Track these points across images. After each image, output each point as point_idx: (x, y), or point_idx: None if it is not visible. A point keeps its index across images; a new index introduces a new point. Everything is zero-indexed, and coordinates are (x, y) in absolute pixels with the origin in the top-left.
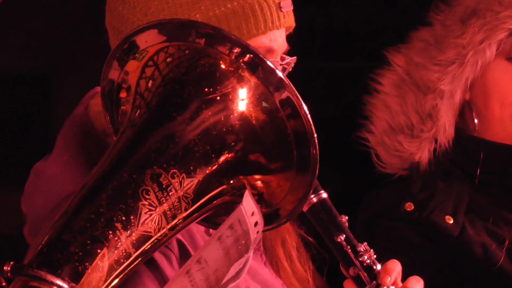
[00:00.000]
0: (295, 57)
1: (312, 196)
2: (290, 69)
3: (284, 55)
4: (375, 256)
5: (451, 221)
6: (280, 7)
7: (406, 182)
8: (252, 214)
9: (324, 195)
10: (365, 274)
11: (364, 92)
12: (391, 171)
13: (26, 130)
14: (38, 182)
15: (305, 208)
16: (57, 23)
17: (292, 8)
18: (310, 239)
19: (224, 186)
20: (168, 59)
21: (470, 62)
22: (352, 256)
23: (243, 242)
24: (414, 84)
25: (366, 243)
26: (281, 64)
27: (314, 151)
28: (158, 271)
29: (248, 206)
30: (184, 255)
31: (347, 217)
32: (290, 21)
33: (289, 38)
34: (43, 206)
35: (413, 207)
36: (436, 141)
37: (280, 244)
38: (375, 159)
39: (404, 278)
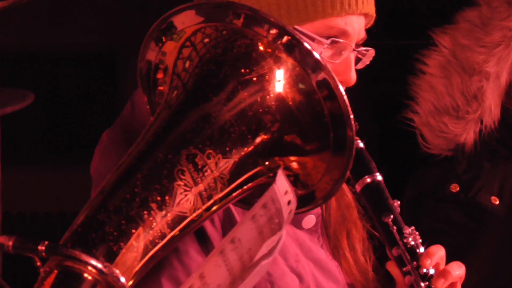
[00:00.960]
0: (373, 49)
1: (367, 177)
2: (367, 62)
3: (360, 44)
4: (420, 240)
5: (497, 202)
6: None
7: (451, 162)
8: (285, 193)
9: (379, 177)
10: (407, 255)
11: (409, 72)
12: (436, 152)
13: (95, 104)
14: (99, 147)
15: (358, 188)
16: (124, 4)
17: None
18: (375, 233)
19: (259, 168)
20: (205, 40)
21: None
22: (396, 236)
23: (276, 220)
24: (460, 66)
25: (413, 228)
26: (355, 50)
27: (351, 133)
28: (204, 241)
29: (281, 185)
30: (231, 225)
31: (399, 202)
32: (369, 8)
33: None
34: (102, 169)
35: (458, 188)
36: (481, 122)
37: (345, 236)
38: (420, 139)
39: (449, 259)
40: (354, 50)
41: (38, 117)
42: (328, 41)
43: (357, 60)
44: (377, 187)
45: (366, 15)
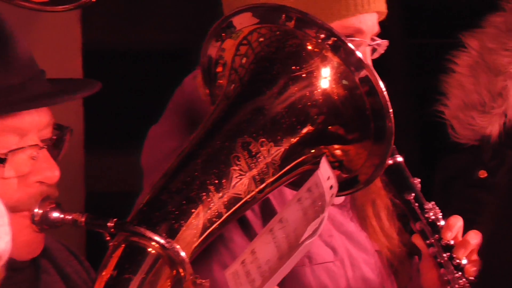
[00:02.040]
0: (386, 40)
1: (389, 159)
2: (382, 51)
3: (375, 37)
4: (440, 214)
5: None
6: None
7: (478, 151)
8: (328, 178)
9: (400, 159)
10: (429, 228)
11: (441, 71)
12: (464, 141)
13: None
14: (150, 139)
15: None
16: (196, 5)
17: None
18: (397, 201)
19: (306, 155)
20: (260, 39)
21: None
22: (418, 212)
23: (319, 203)
24: (487, 67)
25: (434, 202)
26: (370, 45)
27: (390, 124)
28: (247, 228)
29: (325, 171)
30: (270, 213)
31: (419, 180)
32: (380, 6)
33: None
34: (152, 160)
35: (486, 174)
36: (505, 116)
37: (370, 205)
38: (450, 130)
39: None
40: (369, 44)
41: (119, 107)
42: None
43: (373, 51)
44: (398, 167)
45: (378, 12)
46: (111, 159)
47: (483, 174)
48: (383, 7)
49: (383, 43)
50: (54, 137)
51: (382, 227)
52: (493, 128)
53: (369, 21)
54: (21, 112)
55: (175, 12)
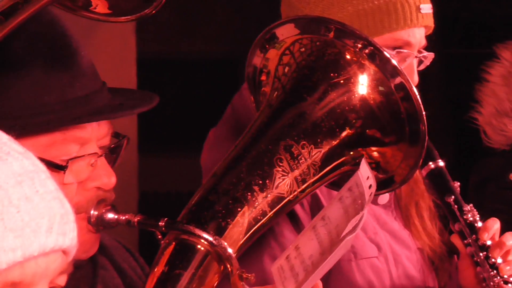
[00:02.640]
0: (432, 53)
1: (431, 163)
2: (428, 63)
3: (422, 50)
4: (478, 216)
5: None
6: (420, 9)
7: (510, 155)
8: (367, 178)
9: (441, 163)
10: (467, 230)
11: (476, 80)
12: (497, 146)
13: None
14: (209, 142)
15: (424, 173)
16: (244, 17)
17: (431, 11)
18: (439, 202)
19: (345, 157)
20: (302, 49)
21: None
22: (457, 214)
23: (359, 202)
24: None
25: (472, 205)
26: (417, 57)
27: (423, 127)
28: (296, 223)
29: (364, 171)
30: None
31: (459, 183)
32: (428, 21)
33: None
34: (210, 161)
35: None
36: None
37: (413, 206)
38: (483, 136)
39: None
40: (416, 56)
41: (170, 113)
42: (394, 52)
43: (420, 62)
44: (439, 172)
45: (426, 26)
46: (162, 161)
47: None
48: (431, 22)
49: (429, 56)
50: (112, 145)
51: (424, 226)
52: None
53: (417, 34)
54: (84, 124)
55: (224, 25)
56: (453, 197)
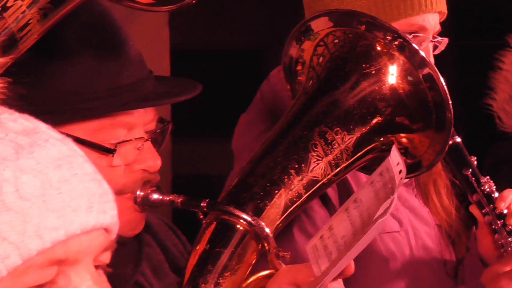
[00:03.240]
0: (446, 38)
1: (449, 139)
2: (443, 48)
3: (436, 36)
4: (494, 187)
5: None
6: None
7: None
8: (397, 164)
9: (458, 139)
10: (485, 200)
11: (490, 68)
12: (510, 131)
13: (244, 91)
14: (240, 126)
15: None
16: (270, 9)
17: None
18: (456, 181)
19: (376, 143)
20: (335, 41)
21: None
22: (475, 185)
23: (390, 186)
24: None
25: (488, 177)
26: (432, 41)
27: (449, 115)
28: (325, 200)
29: (394, 157)
30: (346, 188)
31: (475, 157)
32: (441, 7)
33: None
34: (241, 144)
35: None
36: None
37: (432, 184)
38: (498, 121)
39: None
40: (431, 41)
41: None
42: (410, 36)
43: (435, 48)
44: (457, 147)
45: (440, 12)
46: (193, 146)
47: None
48: (444, 8)
49: (444, 41)
50: (157, 130)
51: (442, 203)
52: None
53: (432, 20)
54: (131, 110)
55: (252, 17)
56: (470, 170)
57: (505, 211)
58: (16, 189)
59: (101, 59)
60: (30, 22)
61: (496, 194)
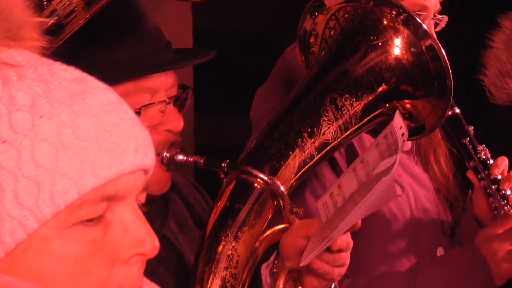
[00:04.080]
0: (446, 16)
1: (449, 111)
2: (443, 25)
3: (436, 14)
4: (490, 154)
5: None
6: None
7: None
8: (400, 127)
9: (457, 110)
10: (481, 166)
11: (481, 47)
12: (500, 103)
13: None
14: (257, 98)
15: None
16: None
17: None
18: (454, 150)
19: (382, 109)
20: (346, 15)
21: None
22: (472, 152)
23: (393, 147)
24: None
25: (484, 145)
26: (433, 19)
27: (450, 82)
28: (334, 165)
29: (398, 121)
30: (353, 153)
31: (472, 127)
32: None
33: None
34: (259, 114)
35: None
36: None
37: (432, 152)
38: (489, 94)
39: None
40: (432, 18)
41: (223, 77)
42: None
43: (436, 25)
44: (456, 117)
45: None
46: (215, 118)
47: None
48: None
49: (444, 18)
50: (179, 94)
51: (441, 170)
52: None
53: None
54: (153, 75)
55: (268, 3)
56: (468, 138)
57: (499, 177)
58: (73, 131)
59: (122, 33)
60: (75, 9)
61: (491, 161)
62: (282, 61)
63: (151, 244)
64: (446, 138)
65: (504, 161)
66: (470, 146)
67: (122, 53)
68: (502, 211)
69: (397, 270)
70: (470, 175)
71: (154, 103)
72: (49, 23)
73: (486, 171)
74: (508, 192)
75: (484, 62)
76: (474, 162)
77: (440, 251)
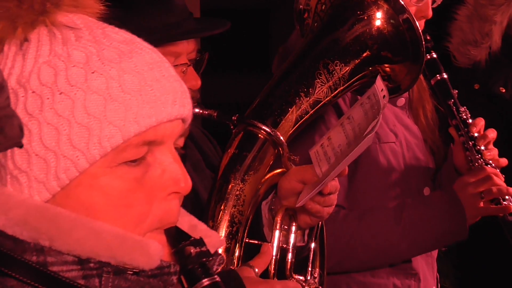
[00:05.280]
0: None
1: (438, 76)
2: (439, 2)
3: None
4: (469, 115)
5: (504, 90)
6: None
7: (472, 71)
8: (382, 90)
9: (445, 75)
10: (461, 124)
11: (448, 20)
12: (463, 66)
13: (248, 54)
14: (278, 55)
15: (432, 82)
16: None
17: None
18: (440, 108)
19: (365, 72)
20: None
21: None
22: (455, 113)
23: (376, 107)
24: (478, 16)
25: (466, 107)
26: None
27: (422, 49)
28: (339, 114)
29: (379, 84)
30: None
31: (457, 91)
32: None
33: None
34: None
35: (478, 86)
36: (490, 48)
37: (421, 108)
38: (453, 59)
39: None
40: None
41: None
42: None
43: (433, 1)
44: (444, 81)
45: None
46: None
47: (477, 86)
48: None
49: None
50: (197, 58)
51: (428, 123)
52: (482, 56)
53: None
54: (177, 42)
55: None
56: (452, 100)
57: (476, 135)
58: (120, 85)
59: (153, 5)
60: None
61: (470, 121)
62: (286, 44)
63: (185, 183)
64: (434, 97)
65: (481, 122)
66: (454, 107)
67: (152, 22)
68: (476, 164)
69: (387, 205)
70: (452, 131)
71: (177, 65)
72: None
73: (466, 129)
74: (482, 148)
75: (450, 32)
76: (456, 121)
77: (426, 191)
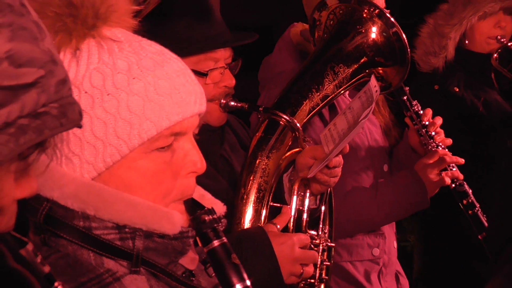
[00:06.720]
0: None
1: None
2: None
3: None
4: (420, 107)
5: (457, 90)
6: None
7: (432, 76)
8: (375, 86)
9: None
10: (414, 116)
11: (414, 36)
12: (425, 71)
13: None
14: (265, 66)
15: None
16: None
17: None
18: (393, 99)
19: (363, 73)
20: (341, 12)
21: (463, 24)
22: (409, 106)
23: (370, 100)
24: (437, 33)
25: (417, 101)
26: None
27: (408, 56)
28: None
29: (373, 82)
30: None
31: (408, 88)
32: None
33: None
34: (266, 77)
35: (438, 87)
36: (446, 57)
37: (379, 101)
38: (418, 66)
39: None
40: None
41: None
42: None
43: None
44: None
45: None
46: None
47: (436, 87)
48: None
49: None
50: (233, 63)
51: (384, 114)
52: (440, 64)
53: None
54: (217, 50)
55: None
56: (406, 96)
57: (427, 123)
58: (155, 89)
59: (197, 20)
60: None
61: (422, 111)
62: (282, 40)
63: (201, 165)
64: (390, 93)
65: (429, 112)
66: (408, 102)
67: (198, 34)
68: (430, 147)
69: (362, 185)
70: (407, 120)
71: (216, 68)
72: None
73: (418, 119)
74: (433, 133)
75: (415, 45)
76: (410, 113)
77: (385, 167)
